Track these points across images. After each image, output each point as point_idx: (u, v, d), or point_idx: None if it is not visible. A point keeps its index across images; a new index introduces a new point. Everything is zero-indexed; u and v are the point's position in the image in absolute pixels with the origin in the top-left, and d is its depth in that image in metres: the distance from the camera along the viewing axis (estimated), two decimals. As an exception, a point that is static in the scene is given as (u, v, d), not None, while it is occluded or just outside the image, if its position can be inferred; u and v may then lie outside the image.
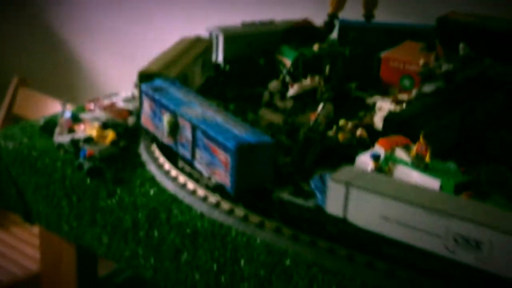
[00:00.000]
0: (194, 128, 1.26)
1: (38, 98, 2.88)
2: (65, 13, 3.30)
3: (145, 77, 1.55)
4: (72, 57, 3.36)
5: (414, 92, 1.72)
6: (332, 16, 2.15)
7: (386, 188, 1.03)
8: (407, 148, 1.25)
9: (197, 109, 1.31)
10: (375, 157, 1.23)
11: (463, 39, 1.79)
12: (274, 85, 1.75)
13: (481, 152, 1.43)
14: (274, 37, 2.03)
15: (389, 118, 1.48)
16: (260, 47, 2.00)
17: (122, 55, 3.13)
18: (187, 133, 1.29)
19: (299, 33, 2.07)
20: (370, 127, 1.59)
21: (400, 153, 1.25)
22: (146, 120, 1.45)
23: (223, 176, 1.20)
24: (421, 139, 1.21)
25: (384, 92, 1.87)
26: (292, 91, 1.71)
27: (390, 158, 1.25)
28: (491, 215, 0.96)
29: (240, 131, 1.21)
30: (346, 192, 1.04)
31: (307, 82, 1.78)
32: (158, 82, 1.47)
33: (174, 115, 1.31)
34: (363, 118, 1.67)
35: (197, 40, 1.89)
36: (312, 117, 1.45)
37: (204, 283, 1.19)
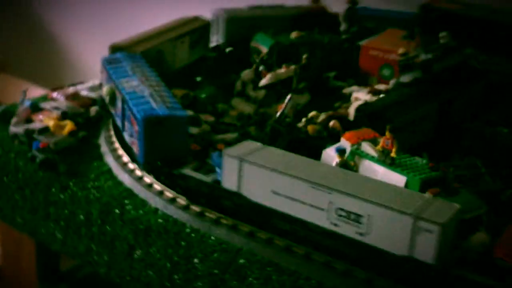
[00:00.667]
0: (123, 100, 1.26)
1: (18, 84, 2.81)
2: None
3: (115, 50, 1.54)
4: (56, 42, 3.28)
5: (392, 82, 1.65)
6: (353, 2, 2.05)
7: (277, 163, 1.04)
8: (374, 142, 1.19)
9: (133, 82, 1.30)
10: (340, 151, 1.17)
11: (446, 27, 1.72)
12: (246, 74, 1.68)
13: (456, 145, 1.37)
14: (281, 22, 1.96)
15: (362, 109, 1.41)
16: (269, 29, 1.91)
17: (107, 41, 3.05)
18: (119, 104, 1.29)
19: (311, 19, 2.00)
20: (344, 119, 1.53)
21: (366, 147, 1.18)
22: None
23: (137, 147, 1.19)
24: (387, 133, 1.14)
25: (363, 82, 1.80)
26: (264, 80, 1.64)
27: (356, 152, 1.18)
28: (372, 189, 0.97)
29: (159, 104, 1.21)
30: (239, 166, 1.06)
31: (282, 71, 1.71)
32: (118, 55, 1.47)
33: (113, 86, 1.33)
34: (338, 109, 1.61)
35: (192, 19, 1.85)
36: (279, 108, 1.39)
37: (158, 281, 1.13)
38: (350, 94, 1.65)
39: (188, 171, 1.16)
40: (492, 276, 0.93)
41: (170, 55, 1.70)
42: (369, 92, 1.62)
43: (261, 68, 1.72)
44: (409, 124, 1.38)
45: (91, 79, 2.35)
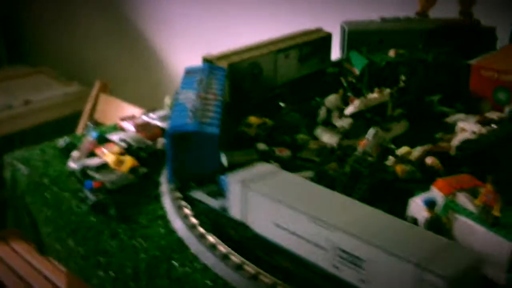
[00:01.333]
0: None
1: (118, 104, 2.79)
2: (149, 13, 3.21)
3: (206, 62, 1.50)
4: (156, 61, 3.27)
5: (507, 110, 1.38)
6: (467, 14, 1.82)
7: (282, 192, 0.92)
8: (473, 193, 0.95)
9: (190, 95, 1.26)
10: (429, 204, 0.94)
11: None
12: (331, 100, 1.48)
13: None
14: (413, 35, 1.78)
15: (463, 147, 1.17)
16: (395, 45, 1.72)
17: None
18: None
19: (453, 34, 1.80)
20: (446, 155, 1.29)
21: (463, 200, 0.94)
22: None
23: None
24: (488, 185, 0.90)
25: (474, 107, 1.54)
26: (351, 107, 1.43)
27: (450, 206, 0.95)
28: (381, 229, 0.83)
29: (194, 120, 1.14)
30: (243, 193, 0.94)
31: (374, 96, 1.49)
32: (199, 67, 1.44)
33: (174, 96, 1.32)
34: (439, 141, 1.36)
35: (312, 31, 1.77)
36: (361, 144, 1.18)
37: None
38: (455, 124, 1.40)
39: (198, 194, 1.07)
40: None
41: (270, 69, 1.59)
42: (478, 121, 1.36)
43: (348, 93, 1.51)
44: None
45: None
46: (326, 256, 0.85)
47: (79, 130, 2.82)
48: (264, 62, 1.57)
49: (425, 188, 1.06)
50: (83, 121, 2.85)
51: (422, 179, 1.18)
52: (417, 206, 0.99)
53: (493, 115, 1.38)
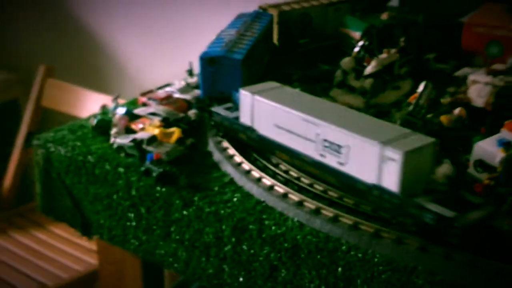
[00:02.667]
0: None
1: (66, 88, 2.68)
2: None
3: (262, 9, 1.66)
4: (99, 44, 3.15)
5: (510, 60, 1.50)
6: None
7: (281, 99, 1.11)
8: (542, 132, 1.04)
9: (232, 31, 1.43)
10: (505, 144, 1.02)
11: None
12: (346, 62, 1.53)
13: None
14: None
15: (503, 94, 1.26)
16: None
17: (153, 41, 2.90)
18: None
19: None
20: (468, 105, 1.38)
21: (535, 138, 1.04)
22: None
23: None
24: None
25: (468, 62, 1.65)
26: (370, 67, 1.49)
27: (523, 145, 1.04)
28: (356, 123, 1.03)
29: (224, 48, 1.32)
30: (252, 102, 1.14)
31: (384, 56, 1.56)
32: (251, 12, 1.59)
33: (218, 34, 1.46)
34: (456, 94, 1.46)
35: None
36: (412, 98, 1.24)
37: (308, 305, 1.00)
38: (464, 77, 1.50)
39: (217, 109, 1.25)
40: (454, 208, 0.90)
41: (320, 22, 1.72)
42: (488, 73, 1.46)
43: (362, 54, 1.57)
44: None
45: (137, 80, 2.13)
46: (314, 147, 1.05)
47: (26, 116, 2.71)
48: (314, 13, 1.70)
49: (477, 138, 1.15)
50: (30, 107, 2.73)
51: (464, 128, 1.28)
52: (484, 150, 1.07)
53: (498, 67, 1.50)
